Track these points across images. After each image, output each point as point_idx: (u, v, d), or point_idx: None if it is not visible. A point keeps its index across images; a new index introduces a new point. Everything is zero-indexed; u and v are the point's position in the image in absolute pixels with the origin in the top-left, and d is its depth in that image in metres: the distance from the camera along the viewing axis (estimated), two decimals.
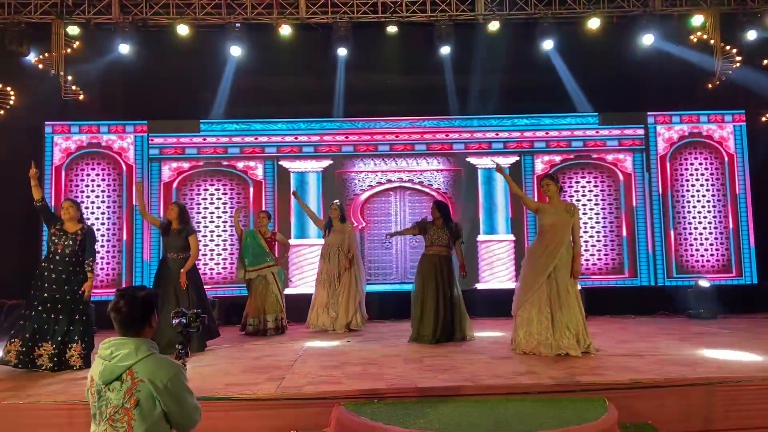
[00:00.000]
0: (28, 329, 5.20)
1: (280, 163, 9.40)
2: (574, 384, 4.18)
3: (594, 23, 8.72)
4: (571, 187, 9.49)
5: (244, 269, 7.51)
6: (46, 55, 8.48)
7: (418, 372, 4.73)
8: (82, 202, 8.73)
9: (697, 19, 8.74)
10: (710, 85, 9.00)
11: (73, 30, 8.50)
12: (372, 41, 8.93)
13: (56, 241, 5.42)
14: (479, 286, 9.21)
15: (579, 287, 5.76)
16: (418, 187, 9.48)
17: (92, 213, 9.06)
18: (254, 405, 3.96)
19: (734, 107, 9.54)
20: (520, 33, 9.00)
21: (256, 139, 9.41)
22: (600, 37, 8.82)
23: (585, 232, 9.40)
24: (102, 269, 8.93)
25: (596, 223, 9.48)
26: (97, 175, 9.25)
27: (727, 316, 8.39)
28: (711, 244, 9.43)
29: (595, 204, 9.50)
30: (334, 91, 9.22)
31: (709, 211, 9.47)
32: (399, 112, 9.47)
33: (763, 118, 9.39)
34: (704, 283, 8.62)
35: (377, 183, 9.47)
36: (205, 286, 6.77)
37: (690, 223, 9.46)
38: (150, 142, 9.30)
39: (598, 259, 9.41)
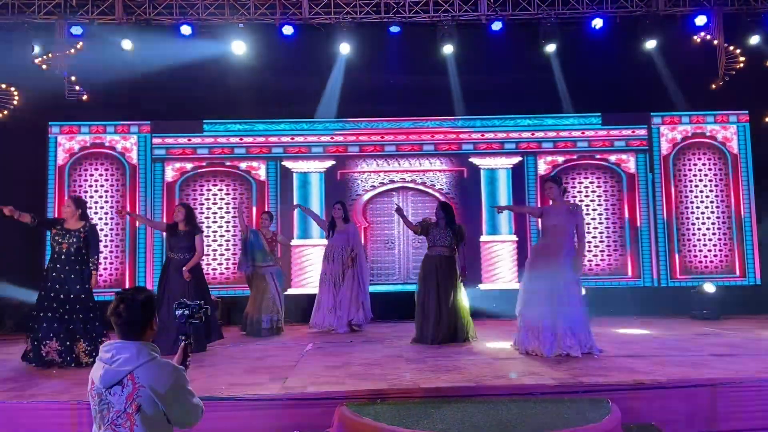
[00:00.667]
0: (39, 329, 5.29)
1: (283, 163, 9.40)
2: (578, 385, 4.18)
3: (597, 23, 8.71)
4: (574, 187, 9.48)
5: (251, 264, 7.51)
6: (50, 55, 8.49)
7: (421, 372, 4.73)
8: (85, 202, 8.74)
9: (701, 20, 8.71)
10: (714, 86, 8.98)
11: (77, 30, 8.51)
12: (375, 41, 8.93)
13: (60, 240, 5.48)
14: (482, 286, 9.20)
15: (583, 291, 5.75)
16: (420, 187, 9.47)
17: (95, 213, 9.07)
18: (257, 405, 3.96)
19: (738, 107, 9.51)
20: (523, 33, 8.99)
21: (259, 139, 9.42)
22: (603, 37, 8.80)
23: (588, 233, 9.38)
24: (105, 269, 8.94)
25: (599, 223, 9.46)
26: (101, 175, 9.26)
27: (730, 316, 8.36)
28: (714, 245, 9.41)
29: (598, 205, 9.48)
30: (337, 91, 9.22)
31: (712, 212, 9.45)
32: (402, 113, 9.47)
33: (767, 119, 9.36)
34: (709, 288, 8.55)
35: (380, 183, 9.47)
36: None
37: (693, 224, 9.44)
38: (153, 142, 9.32)
39: (601, 260, 9.40)
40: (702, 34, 8.77)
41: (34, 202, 8.79)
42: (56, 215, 8.80)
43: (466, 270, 6.75)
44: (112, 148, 9.29)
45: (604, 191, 9.52)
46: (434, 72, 9.15)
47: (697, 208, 9.46)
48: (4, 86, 8.63)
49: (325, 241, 8.01)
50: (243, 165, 9.39)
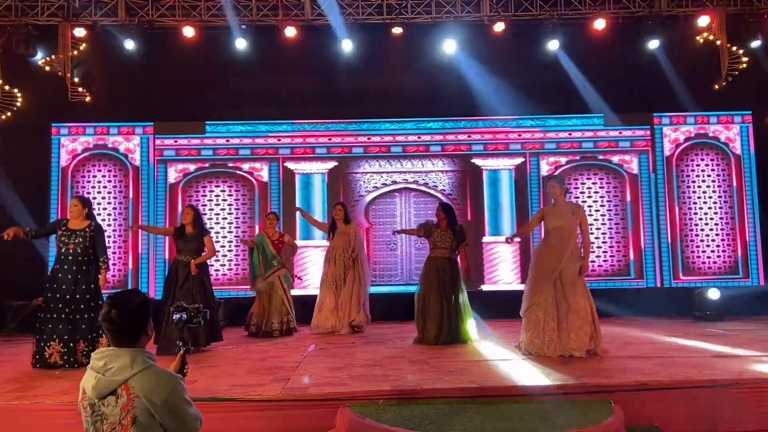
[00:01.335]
0: (55, 331, 5.29)
1: (285, 164, 9.41)
2: (580, 386, 4.17)
3: (600, 24, 8.70)
4: (577, 188, 9.47)
5: (261, 278, 7.48)
6: (53, 57, 8.52)
7: (423, 374, 4.72)
8: (91, 201, 8.76)
9: (703, 20, 8.70)
10: (717, 86, 8.96)
11: (80, 32, 8.54)
12: (377, 42, 8.93)
13: (66, 241, 5.48)
14: (484, 287, 9.19)
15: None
16: (423, 188, 9.47)
17: (98, 214, 9.07)
18: (259, 406, 3.96)
19: (741, 108, 9.50)
20: (526, 34, 8.98)
21: (262, 140, 9.43)
22: (606, 38, 8.79)
23: (591, 233, 9.34)
24: (108, 270, 8.93)
25: (602, 224, 9.45)
26: (104, 176, 9.29)
27: (733, 318, 8.34)
28: (717, 246, 9.38)
29: (601, 205, 9.47)
30: (339, 92, 9.23)
31: (715, 213, 9.43)
32: (404, 114, 9.47)
33: None
34: (714, 294, 8.49)
35: (382, 184, 9.47)
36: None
37: (696, 225, 9.42)
38: (156, 143, 9.34)
39: (604, 261, 9.38)
40: (705, 34, 8.76)
41: (38, 204, 8.84)
42: (60, 216, 8.83)
43: (471, 270, 6.73)
44: (115, 149, 9.31)
45: (606, 192, 9.50)
46: (437, 73, 9.15)
47: (700, 208, 9.44)
48: (7, 88, 8.66)
49: (326, 243, 8.00)
50: (245, 166, 9.40)
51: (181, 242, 6.36)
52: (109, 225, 9.11)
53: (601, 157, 9.54)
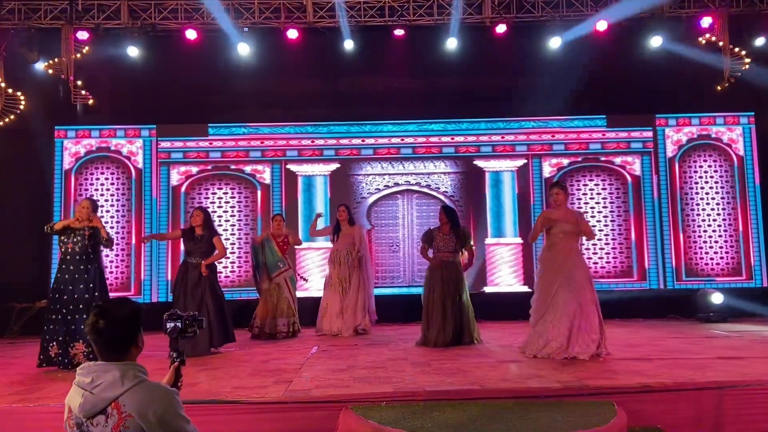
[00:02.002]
0: (55, 331, 5.31)
1: (287, 166, 9.42)
2: (583, 388, 4.16)
3: (602, 25, 8.70)
4: (579, 189, 9.46)
5: (267, 280, 7.48)
6: (56, 60, 8.55)
7: (425, 375, 4.72)
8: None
9: (706, 21, 8.69)
10: (719, 87, 8.95)
11: (83, 35, 8.56)
12: (379, 44, 8.94)
13: (66, 240, 5.51)
14: (487, 289, 9.19)
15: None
16: (425, 190, 9.47)
17: (101, 217, 9.08)
18: (262, 408, 3.95)
19: (744, 109, 9.48)
20: (528, 35, 8.99)
21: (264, 142, 9.45)
22: (608, 39, 8.79)
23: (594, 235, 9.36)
24: (111, 272, 8.97)
25: (605, 226, 9.43)
26: (107, 179, 9.31)
27: (737, 319, 8.32)
28: (720, 247, 9.36)
29: (604, 207, 9.45)
30: (341, 94, 9.24)
31: (718, 214, 9.41)
32: (406, 116, 9.48)
33: None
34: (717, 298, 8.44)
35: (384, 186, 9.47)
36: None
37: (699, 226, 9.40)
38: (159, 146, 9.35)
39: (607, 263, 9.37)
40: (707, 35, 8.75)
41: (40, 206, 8.86)
42: (63, 219, 8.85)
43: (471, 264, 6.72)
44: (117, 152, 9.33)
45: (609, 193, 9.49)
46: (438, 75, 9.16)
47: (703, 210, 9.43)
48: (10, 91, 8.69)
49: (329, 245, 8.00)
50: (248, 168, 9.42)
51: (191, 244, 6.36)
52: (111, 227, 9.13)
53: (603, 158, 9.53)
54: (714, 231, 9.39)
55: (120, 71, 8.90)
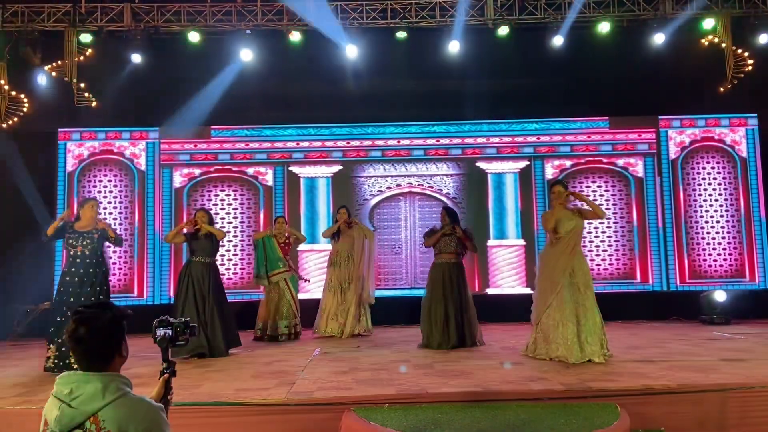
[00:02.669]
0: (60, 334, 5.27)
1: (290, 168, 9.43)
2: (586, 390, 4.15)
3: (604, 27, 8.69)
4: (582, 191, 9.43)
5: (265, 276, 7.51)
6: (59, 62, 8.57)
7: (428, 378, 4.72)
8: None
9: (708, 23, 8.68)
10: (722, 89, 8.93)
11: (86, 38, 8.59)
12: (381, 46, 8.95)
13: (74, 243, 5.48)
14: (489, 291, 9.18)
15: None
16: (427, 192, 9.47)
17: (104, 219, 9.11)
18: (264, 410, 3.96)
19: (747, 110, 9.47)
20: (530, 37, 8.98)
21: (267, 144, 9.46)
22: (610, 41, 8.78)
23: (596, 236, 9.37)
24: (114, 274, 8.98)
25: (607, 227, 9.42)
26: (109, 181, 9.33)
27: (740, 321, 8.30)
28: (724, 249, 9.34)
29: (606, 209, 9.42)
30: (343, 96, 9.24)
31: (721, 216, 9.39)
32: (408, 117, 9.48)
33: None
34: (720, 296, 8.45)
35: (387, 188, 9.47)
36: None
37: (702, 228, 9.38)
38: (161, 148, 9.37)
39: (609, 264, 9.35)
40: (710, 37, 8.73)
41: (44, 209, 8.88)
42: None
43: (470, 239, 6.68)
44: (120, 154, 9.35)
45: (612, 195, 9.48)
46: (441, 77, 9.16)
47: (706, 211, 9.41)
48: (14, 93, 8.71)
49: (330, 246, 8.00)
50: (250, 170, 9.43)
51: (195, 243, 6.42)
52: (114, 229, 9.11)
53: (606, 160, 9.52)
54: (717, 233, 9.37)
55: (123, 74, 8.92)
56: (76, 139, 9.32)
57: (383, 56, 9.01)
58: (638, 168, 9.49)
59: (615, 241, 9.40)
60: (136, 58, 8.69)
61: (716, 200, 9.42)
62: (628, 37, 8.90)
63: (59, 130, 9.27)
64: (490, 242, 9.31)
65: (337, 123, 9.45)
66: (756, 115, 9.47)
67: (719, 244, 9.35)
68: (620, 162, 9.51)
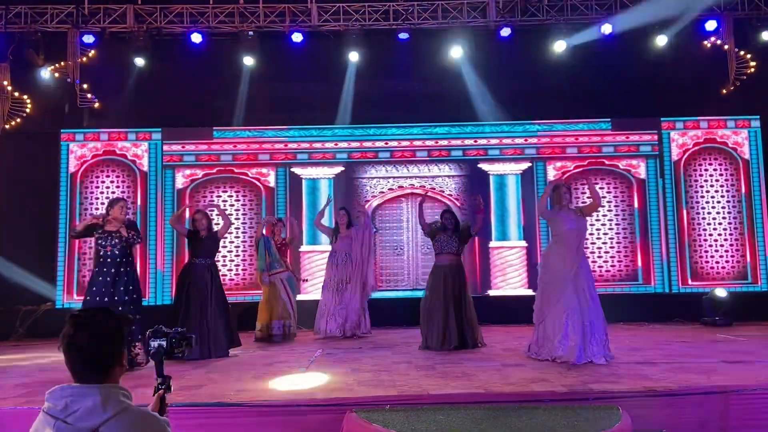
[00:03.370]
0: None
1: (292, 169, 9.44)
2: (588, 392, 4.14)
3: (606, 29, 8.69)
4: (584, 193, 9.43)
5: (266, 274, 7.55)
6: (62, 63, 8.59)
7: (429, 379, 4.71)
8: (97, 209, 8.83)
9: (711, 25, 8.68)
10: (724, 91, 8.93)
11: (89, 39, 8.61)
12: (384, 48, 8.96)
13: (103, 243, 5.55)
14: (491, 292, 9.17)
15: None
16: (429, 193, 9.45)
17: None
18: (265, 411, 3.96)
19: (749, 112, 9.45)
20: (532, 39, 8.98)
21: (269, 146, 9.46)
22: (613, 42, 8.78)
23: (598, 238, 9.36)
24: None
25: (609, 229, 9.41)
26: (112, 182, 9.34)
27: (742, 323, 8.28)
28: (726, 251, 9.33)
29: (608, 210, 9.43)
30: (345, 97, 9.25)
31: (724, 218, 9.38)
32: (410, 119, 9.49)
33: None
34: (721, 293, 8.47)
35: (389, 189, 9.48)
36: None
37: (705, 230, 9.37)
38: (164, 149, 9.38)
39: (612, 266, 9.34)
40: (712, 39, 8.73)
41: (46, 210, 8.91)
42: (69, 222, 8.91)
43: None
44: (123, 155, 9.36)
45: (614, 197, 9.47)
46: (443, 78, 9.17)
47: (708, 213, 9.39)
48: (17, 94, 8.74)
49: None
50: (252, 171, 9.44)
51: (197, 244, 6.43)
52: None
53: (608, 162, 9.52)
54: (719, 234, 9.36)
55: (125, 75, 8.94)
56: (78, 140, 9.34)
57: (386, 57, 9.02)
58: (640, 170, 9.48)
59: (617, 242, 9.39)
60: (139, 59, 8.72)
61: (718, 202, 9.41)
62: (630, 39, 8.90)
63: (62, 131, 9.29)
64: (492, 243, 9.31)
65: (340, 124, 9.45)
66: (758, 117, 9.46)
67: (721, 245, 9.34)
68: (622, 164, 9.50)
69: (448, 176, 9.50)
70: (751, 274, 9.25)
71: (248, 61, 8.84)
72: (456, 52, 8.88)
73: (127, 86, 9.09)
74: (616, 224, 9.42)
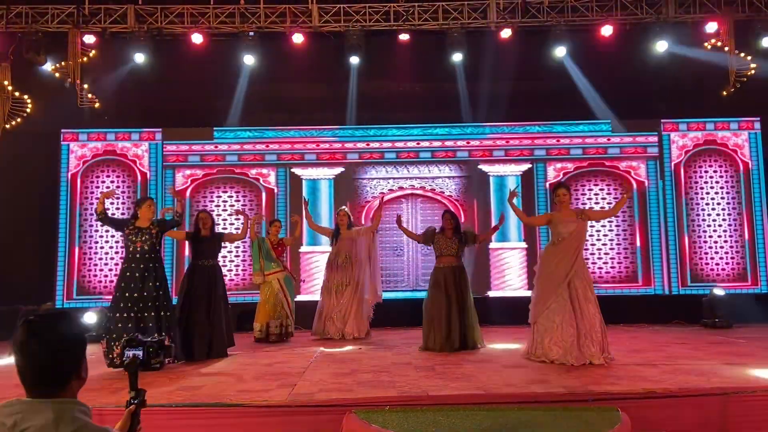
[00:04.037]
0: (113, 330, 5.31)
1: (292, 170, 9.45)
2: (587, 393, 4.14)
3: (607, 30, 8.69)
4: (584, 194, 9.44)
5: (261, 274, 7.56)
6: (63, 63, 8.60)
7: (429, 380, 4.71)
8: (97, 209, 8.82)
9: (711, 26, 8.68)
10: (725, 92, 8.93)
11: (90, 39, 8.61)
12: (384, 49, 8.96)
13: (133, 239, 5.60)
14: (491, 294, 9.17)
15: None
16: (429, 194, 9.48)
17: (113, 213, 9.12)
18: (266, 412, 3.96)
19: (749, 114, 9.46)
20: (533, 40, 8.99)
21: (269, 146, 9.47)
22: (613, 44, 8.78)
23: (598, 239, 9.37)
24: (116, 275, 8.97)
25: (609, 230, 9.41)
26: (112, 182, 9.34)
27: (742, 325, 8.28)
28: (726, 253, 9.33)
29: None
30: (346, 98, 9.26)
31: (724, 219, 9.38)
32: (411, 120, 9.50)
33: None
34: (719, 291, 8.50)
35: (389, 190, 9.48)
36: None
37: (705, 231, 9.37)
38: (164, 149, 9.39)
39: (612, 267, 9.35)
40: (713, 40, 8.73)
41: (47, 209, 8.91)
42: (68, 222, 8.92)
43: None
44: (123, 155, 9.37)
45: (614, 198, 9.47)
46: (443, 79, 9.18)
47: (708, 215, 9.40)
48: (17, 94, 8.74)
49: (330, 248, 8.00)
50: (253, 172, 9.44)
51: (200, 245, 6.40)
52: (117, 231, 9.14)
53: (608, 163, 9.52)
54: (719, 236, 9.36)
55: (126, 75, 8.95)
56: (79, 140, 9.34)
57: (386, 58, 9.02)
58: (641, 171, 9.48)
59: (617, 244, 9.39)
60: (140, 59, 8.71)
61: (718, 204, 9.41)
62: (630, 41, 8.90)
63: (62, 130, 9.30)
64: (492, 245, 9.31)
65: (340, 125, 9.46)
66: (759, 118, 9.47)
67: (721, 247, 9.34)
68: (622, 165, 9.50)
69: (449, 177, 9.50)
70: (751, 275, 9.25)
71: (249, 61, 8.84)
72: (456, 54, 8.87)
73: (127, 86, 9.10)
74: (616, 226, 9.42)
